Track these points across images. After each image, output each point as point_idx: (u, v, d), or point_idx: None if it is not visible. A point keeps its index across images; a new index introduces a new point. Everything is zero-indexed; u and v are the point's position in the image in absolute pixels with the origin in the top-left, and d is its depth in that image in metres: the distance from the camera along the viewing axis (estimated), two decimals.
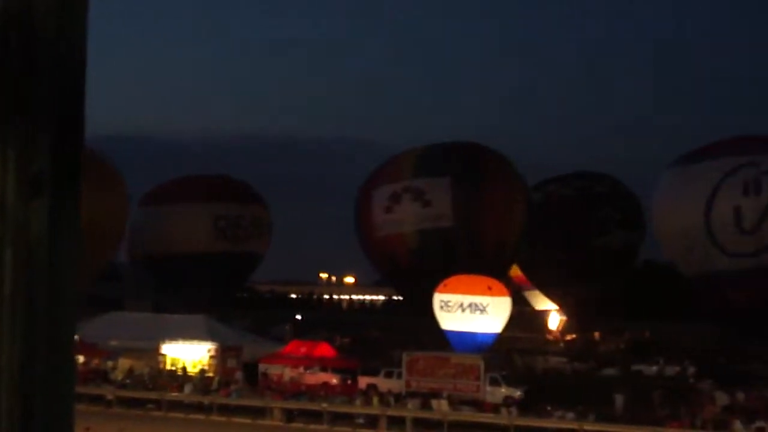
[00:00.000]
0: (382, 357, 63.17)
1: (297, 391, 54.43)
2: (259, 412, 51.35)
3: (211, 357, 59.91)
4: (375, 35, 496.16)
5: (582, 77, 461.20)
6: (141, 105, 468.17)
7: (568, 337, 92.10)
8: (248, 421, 50.65)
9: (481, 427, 48.22)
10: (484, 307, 62.98)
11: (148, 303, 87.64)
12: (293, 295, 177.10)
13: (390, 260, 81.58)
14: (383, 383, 54.37)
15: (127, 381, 57.51)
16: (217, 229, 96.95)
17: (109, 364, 60.41)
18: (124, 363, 60.28)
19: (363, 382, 55.08)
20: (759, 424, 44.78)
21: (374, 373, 56.34)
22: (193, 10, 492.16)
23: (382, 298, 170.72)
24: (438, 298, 64.66)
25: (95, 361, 60.11)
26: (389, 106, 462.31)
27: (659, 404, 50.39)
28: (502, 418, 48.42)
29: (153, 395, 54.55)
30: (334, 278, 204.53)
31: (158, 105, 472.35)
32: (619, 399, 50.35)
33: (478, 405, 51.16)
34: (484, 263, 72.36)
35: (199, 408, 53.12)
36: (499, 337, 65.36)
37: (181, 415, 52.02)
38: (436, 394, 51.76)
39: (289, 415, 50.83)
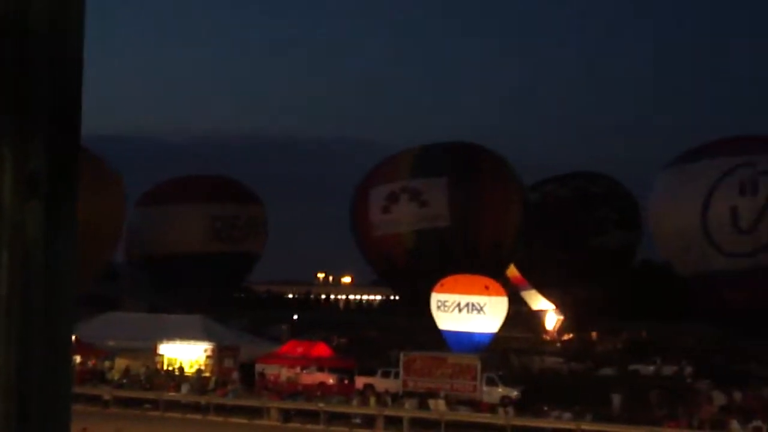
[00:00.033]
0: (379, 357, 63.16)
1: (294, 391, 54.41)
2: (256, 412, 51.34)
3: (208, 357, 59.89)
4: (375, 35, 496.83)
5: (582, 77, 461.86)
6: (141, 105, 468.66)
7: (565, 337, 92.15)
8: (245, 421, 50.63)
9: (478, 427, 48.22)
10: (481, 307, 63.01)
11: (145, 303, 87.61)
12: (290, 295, 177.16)
13: (387, 260, 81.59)
14: (380, 383, 54.36)
15: (124, 381, 57.47)
16: (214, 230, 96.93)
17: (106, 364, 60.39)
18: (120, 363, 60.25)
19: (360, 382, 55.06)
20: (756, 423, 44.79)
21: (371, 373, 56.32)
22: (193, 10, 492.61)
23: (379, 297, 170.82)
24: (435, 298, 64.68)
25: (92, 362, 60.08)
26: (389, 106, 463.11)
27: (656, 404, 50.40)
28: (499, 418, 48.42)
29: (150, 395, 54.53)
30: (331, 278, 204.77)
31: (158, 105, 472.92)
32: (616, 399, 50.36)
33: (475, 405, 51.16)
34: (480, 263, 72.39)
35: (196, 408, 53.09)
36: (495, 337, 65.39)
37: (178, 415, 51.99)
38: (433, 394, 51.76)
39: (286, 415, 50.82)
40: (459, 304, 63.29)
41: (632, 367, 66.66)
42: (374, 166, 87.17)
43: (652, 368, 66.20)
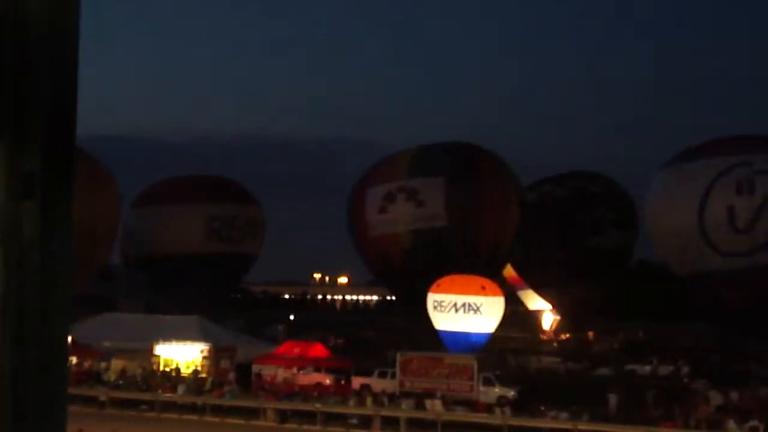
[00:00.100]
0: (376, 357, 63.13)
1: (290, 391, 54.36)
2: (253, 413, 51.28)
3: (205, 358, 59.81)
4: (375, 35, 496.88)
5: (582, 77, 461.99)
6: (141, 105, 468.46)
7: (562, 337, 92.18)
8: (241, 421, 50.57)
9: (475, 427, 48.19)
10: (478, 307, 63.00)
11: (142, 304, 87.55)
12: (287, 296, 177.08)
13: (383, 260, 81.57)
14: (377, 383, 54.32)
15: (120, 382, 57.38)
16: (211, 230, 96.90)
17: (102, 365, 60.30)
18: (117, 364, 60.18)
19: (356, 382, 55.02)
20: (752, 423, 44.77)
21: (368, 373, 56.28)
22: (193, 10, 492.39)
23: (375, 298, 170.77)
24: (432, 298, 64.67)
25: (88, 362, 59.99)
26: (389, 106, 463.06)
27: (653, 404, 50.40)
28: (496, 418, 48.39)
29: (146, 396, 54.46)
30: (327, 278, 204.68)
31: (158, 105, 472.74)
32: (612, 399, 50.35)
33: (472, 405, 51.12)
34: (477, 263, 72.42)
35: (193, 409, 53.03)
36: (492, 337, 65.39)
37: (174, 416, 51.93)
38: (429, 394, 51.73)
39: (283, 416, 50.76)
40: (456, 305, 63.28)
41: (629, 367, 66.67)
42: (371, 166, 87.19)
43: (648, 368, 66.21)
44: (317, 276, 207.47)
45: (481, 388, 52.50)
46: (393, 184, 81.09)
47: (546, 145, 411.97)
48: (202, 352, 59.93)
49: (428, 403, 50.13)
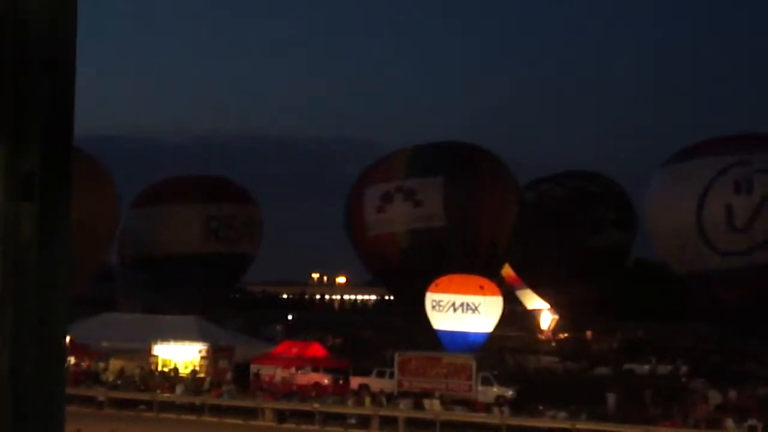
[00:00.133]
0: (374, 357, 63.13)
1: (288, 391, 54.35)
2: (251, 413, 51.27)
3: (203, 358, 59.78)
4: (375, 35, 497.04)
5: (582, 77, 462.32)
6: (141, 105, 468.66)
7: (561, 337, 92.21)
8: (240, 421, 50.56)
9: (474, 427, 48.19)
10: (476, 307, 62.99)
11: (139, 304, 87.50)
12: (285, 296, 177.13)
13: (381, 260, 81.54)
14: (375, 383, 54.31)
15: (119, 382, 57.36)
16: (209, 230, 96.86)
17: (101, 365, 60.27)
18: (115, 364, 60.15)
19: (355, 382, 55.02)
20: (751, 422, 44.80)
21: (366, 373, 56.28)
22: (193, 10, 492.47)
23: (374, 297, 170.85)
24: (430, 298, 64.65)
25: (86, 363, 59.97)
26: (389, 106, 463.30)
27: (651, 403, 50.42)
28: (494, 418, 48.39)
29: (144, 396, 54.45)
30: (326, 278, 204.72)
31: (158, 105, 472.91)
32: (611, 398, 50.36)
33: (470, 404, 51.12)
34: (475, 263, 72.40)
35: (191, 409, 53.01)
36: (490, 337, 65.39)
37: (172, 416, 51.91)
38: (428, 394, 51.72)
39: (281, 416, 50.74)
40: (454, 304, 63.28)
41: (627, 366, 66.71)
42: (369, 166, 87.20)
43: (647, 367, 66.26)
44: (315, 276, 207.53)
45: (480, 388, 52.50)
46: (391, 184, 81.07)
47: (546, 145, 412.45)
48: (200, 352, 59.91)
49: (427, 402, 50.12)
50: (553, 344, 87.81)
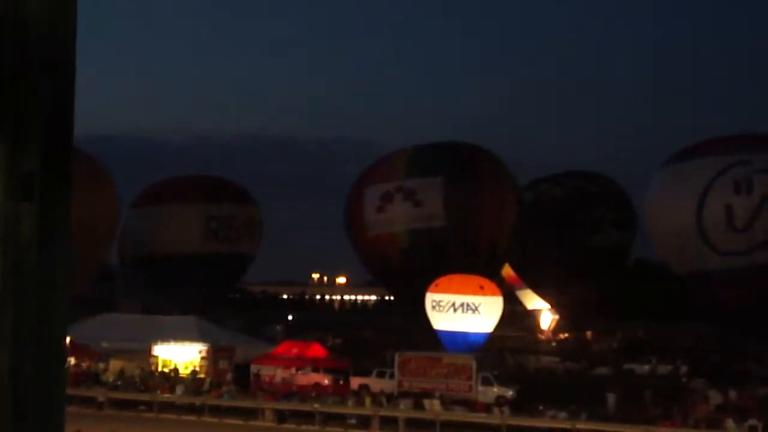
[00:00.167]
0: (374, 357, 63.13)
1: (288, 391, 54.34)
2: (251, 413, 51.26)
3: (203, 358, 59.77)
4: (375, 35, 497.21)
5: (582, 77, 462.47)
6: (141, 105, 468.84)
7: (561, 337, 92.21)
8: (240, 422, 50.55)
9: (474, 427, 48.17)
10: (476, 307, 62.98)
11: (139, 304, 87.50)
12: (285, 296, 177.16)
13: (381, 260, 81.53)
14: (375, 383, 54.30)
15: (119, 383, 57.34)
16: (209, 230, 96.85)
17: (101, 365, 60.26)
18: (115, 364, 60.13)
19: (355, 382, 55.00)
20: (751, 422, 44.79)
21: (366, 373, 56.26)
22: (193, 10, 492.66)
23: (374, 298, 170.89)
24: (430, 298, 64.63)
25: (86, 363, 59.96)
26: (389, 106, 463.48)
27: (651, 403, 50.41)
28: (495, 418, 48.38)
29: (145, 397, 54.43)
30: (326, 278, 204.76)
31: (158, 105, 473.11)
32: (611, 398, 50.35)
33: (471, 405, 51.10)
34: (475, 263, 72.38)
35: (191, 409, 53.00)
36: (491, 337, 65.37)
37: (173, 417, 51.90)
38: (428, 394, 51.70)
39: (281, 416, 50.74)
40: (454, 304, 63.26)
41: (627, 366, 66.70)
42: (369, 166, 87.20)
43: (647, 367, 66.24)
44: (315, 276, 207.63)
45: (480, 388, 52.49)
46: (391, 184, 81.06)
47: (546, 145, 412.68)
48: (200, 352, 59.89)
49: (427, 403, 50.11)
50: (554, 344, 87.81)
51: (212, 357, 59.58)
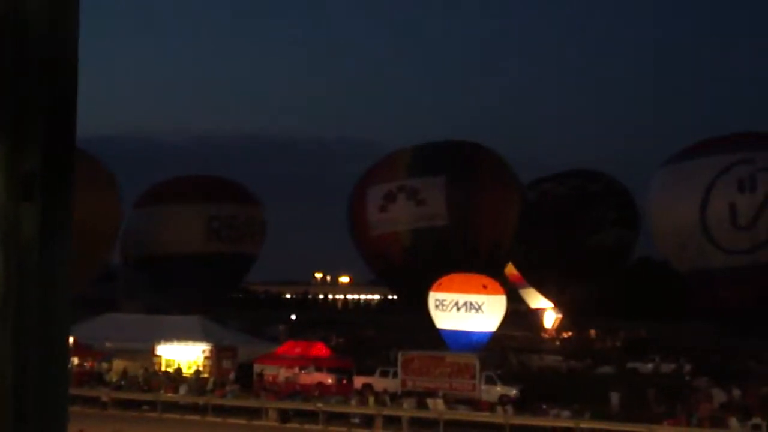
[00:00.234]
0: (378, 356, 63.17)
1: (292, 391, 54.34)
2: (255, 413, 51.27)
3: (206, 358, 59.80)
4: (375, 35, 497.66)
5: (582, 77, 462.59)
6: (141, 105, 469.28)
7: (564, 336, 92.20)
8: (243, 421, 50.55)
9: (477, 426, 48.14)
10: (480, 306, 62.98)
11: (142, 304, 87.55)
12: (288, 295, 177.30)
13: (384, 259, 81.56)
14: (379, 383, 54.29)
15: (122, 383, 57.36)
16: (211, 230, 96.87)
17: (104, 365, 60.31)
18: (118, 364, 60.17)
19: (358, 381, 55.00)
20: (755, 421, 44.76)
21: (370, 372, 56.26)
22: (193, 10, 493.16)
23: (377, 297, 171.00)
24: (433, 297, 64.65)
25: (89, 363, 60.00)
26: (389, 106, 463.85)
27: (655, 402, 50.38)
28: (498, 417, 48.35)
29: (148, 397, 54.44)
30: (329, 278, 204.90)
31: (158, 105, 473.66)
32: (614, 397, 50.35)
33: (474, 404, 51.11)
34: (478, 262, 72.41)
35: (195, 409, 53.00)
36: (494, 336, 65.37)
37: (176, 417, 51.90)
38: (431, 393, 51.70)
39: (284, 416, 50.74)
40: (457, 303, 63.27)
41: (631, 365, 66.71)
42: (371, 166, 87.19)
43: (650, 366, 66.22)
44: (318, 275, 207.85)
45: (483, 387, 52.49)
46: (393, 184, 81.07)
47: (546, 144, 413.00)
48: (203, 352, 59.93)
49: (430, 402, 50.10)
50: (557, 343, 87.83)
51: (215, 357, 59.61)
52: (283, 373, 57.02)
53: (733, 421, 44.83)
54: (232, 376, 57.75)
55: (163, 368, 59.76)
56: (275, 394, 53.54)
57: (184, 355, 60.08)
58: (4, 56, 3.11)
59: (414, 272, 75.39)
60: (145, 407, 53.60)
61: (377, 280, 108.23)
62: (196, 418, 51.78)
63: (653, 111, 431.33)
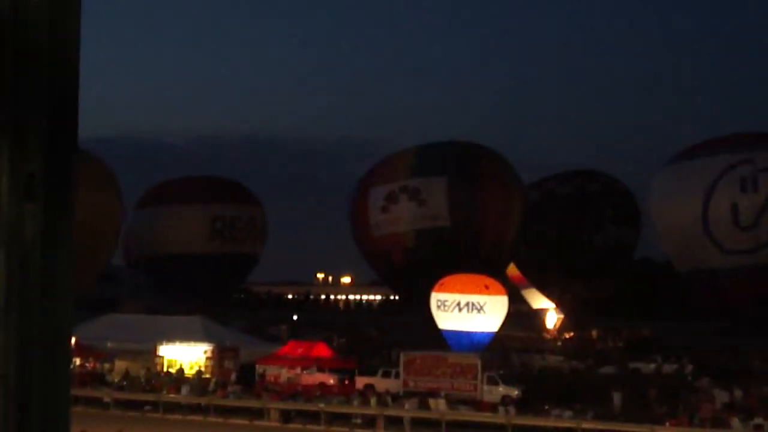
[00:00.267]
0: (380, 357, 63.15)
1: (294, 391, 54.33)
2: (257, 413, 51.27)
3: (208, 358, 59.80)
4: (375, 35, 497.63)
5: (582, 77, 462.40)
6: (141, 105, 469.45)
7: (566, 336, 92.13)
8: (245, 422, 50.55)
9: (479, 427, 48.12)
10: (481, 306, 62.96)
11: (144, 304, 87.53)
12: (290, 296, 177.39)
13: (386, 260, 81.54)
14: (380, 383, 54.27)
15: (124, 383, 57.37)
16: (214, 230, 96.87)
17: (106, 366, 60.32)
18: (120, 365, 60.17)
19: (360, 382, 54.97)
20: (757, 421, 44.74)
21: (371, 373, 56.24)
22: (193, 10, 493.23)
23: (378, 297, 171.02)
24: (435, 298, 64.63)
25: (91, 364, 60.01)
26: (389, 106, 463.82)
27: (656, 402, 50.35)
28: (500, 417, 48.32)
29: (150, 397, 54.45)
30: (330, 278, 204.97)
31: (158, 105, 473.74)
32: (617, 397, 50.33)
33: (476, 404, 51.09)
34: (480, 262, 72.36)
35: (197, 409, 53.02)
36: (496, 336, 65.34)
37: (178, 417, 51.90)
38: (433, 394, 51.68)
39: (286, 416, 50.74)
40: (459, 304, 63.24)
41: (633, 365, 66.62)
42: (373, 166, 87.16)
43: (652, 366, 66.15)
44: (320, 276, 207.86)
45: (485, 387, 52.47)
46: (395, 184, 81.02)
47: (546, 144, 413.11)
48: (205, 352, 59.92)
49: (432, 402, 50.08)
50: (559, 343, 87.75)
51: (217, 357, 59.61)
52: (284, 374, 57.02)
53: (735, 422, 44.80)
54: (233, 376, 57.75)
55: (165, 369, 59.76)
56: (277, 395, 53.53)
57: (186, 356, 60.08)
58: (5, 56, 3.11)
59: (416, 273, 75.37)
60: (147, 408, 53.60)
61: (379, 280, 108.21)
62: (198, 418, 51.79)
63: (653, 111, 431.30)
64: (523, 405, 50.10)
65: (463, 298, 63.26)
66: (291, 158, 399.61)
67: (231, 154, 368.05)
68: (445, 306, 63.79)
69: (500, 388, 52.60)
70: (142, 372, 59.08)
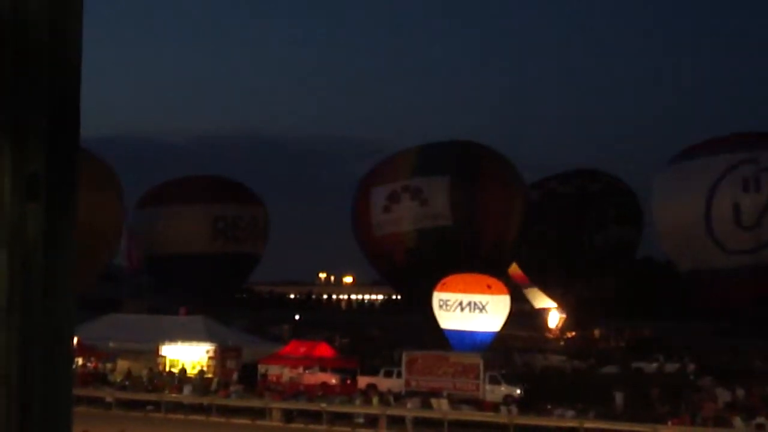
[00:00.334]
0: (382, 356, 63.16)
1: (296, 391, 54.36)
2: (259, 413, 51.29)
3: (210, 358, 59.83)
4: (375, 35, 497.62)
5: (582, 77, 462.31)
6: (141, 105, 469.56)
7: (568, 335, 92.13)
8: (248, 421, 50.58)
9: (481, 426, 48.14)
10: (484, 306, 62.94)
11: (146, 304, 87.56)
12: (292, 296, 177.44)
13: (388, 259, 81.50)
14: (383, 383, 54.31)
15: (126, 383, 57.40)
16: (216, 230, 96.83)
17: (108, 366, 60.36)
18: (122, 365, 60.22)
19: (362, 381, 55.01)
20: (759, 420, 44.72)
21: (374, 372, 56.29)
22: (193, 10, 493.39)
23: (381, 297, 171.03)
24: (437, 297, 64.62)
25: (93, 364, 60.04)
26: (389, 106, 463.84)
27: (658, 401, 50.35)
28: (502, 417, 48.33)
29: (152, 397, 54.48)
30: (332, 278, 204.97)
31: (158, 105, 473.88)
32: (619, 397, 50.34)
33: (478, 404, 51.10)
34: (482, 262, 72.33)
35: (199, 409, 53.05)
36: (498, 336, 65.32)
37: (180, 417, 51.94)
38: (435, 393, 51.70)
39: (289, 416, 50.76)
40: (461, 303, 63.23)
41: (635, 364, 66.62)
42: (375, 166, 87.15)
43: (654, 366, 66.16)
44: (322, 276, 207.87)
45: (488, 387, 52.49)
46: (397, 184, 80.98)
47: (546, 144, 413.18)
48: (207, 352, 59.96)
49: (434, 402, 50.10)
50: (561, 343, 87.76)
51: (220, 357, 59.64)
52: (287, 373, 57.05)
53: (737, 421, 44.80)
54: (236, 376, 57.79)
55: (167, 368, 59.79)
56: (279, 394, 53.55)
57: (188, 356, 60.11)
58: (6, 56, 3.11)
59: (418, 272, 75.36)
60: (149, 407, 53.63)
61: (381, 280, 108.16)
62: (201, 418, 51.82)
63: (653, 111, 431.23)
64: (525, 404, 50.11)
65: (466, 298, 63.25)
66: (291, 158, 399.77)
67: (231, 154, 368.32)
68: (447, 305, 63.78)
69: (502, 388, 52.62)
70: (145, 372, 59.11)
